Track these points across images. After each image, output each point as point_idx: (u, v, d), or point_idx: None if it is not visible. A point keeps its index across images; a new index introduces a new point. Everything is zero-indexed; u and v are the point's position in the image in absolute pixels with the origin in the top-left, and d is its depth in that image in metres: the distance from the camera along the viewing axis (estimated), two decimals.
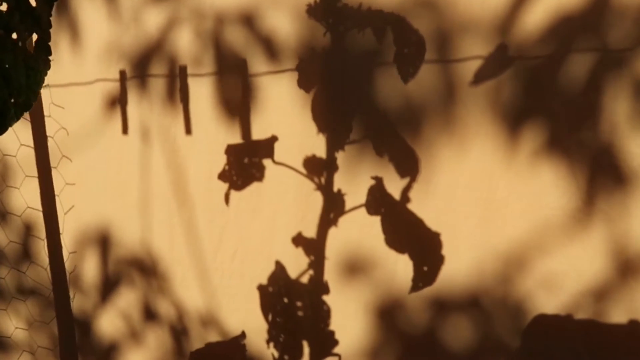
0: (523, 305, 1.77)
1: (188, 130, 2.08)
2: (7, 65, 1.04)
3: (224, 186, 2.04)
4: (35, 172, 2.33)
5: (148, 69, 2.13)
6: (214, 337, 2.14)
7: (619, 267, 1.66)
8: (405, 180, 1.82)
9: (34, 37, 1.17)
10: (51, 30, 2.22)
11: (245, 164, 1.99)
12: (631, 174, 1.64)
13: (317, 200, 1.95)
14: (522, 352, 1.79)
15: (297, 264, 2.00)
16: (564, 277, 1.72)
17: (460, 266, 1.81)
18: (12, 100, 1.06)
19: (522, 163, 1.72)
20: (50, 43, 2.19)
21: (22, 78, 1.08)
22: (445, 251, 1.81)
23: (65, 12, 2.20)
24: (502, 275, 1.78)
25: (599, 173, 1.66)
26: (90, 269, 2.32)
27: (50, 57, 1.17)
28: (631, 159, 1.63)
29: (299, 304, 1.97)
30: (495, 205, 1.75)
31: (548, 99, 1.69)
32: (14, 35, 1.07)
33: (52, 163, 2.31)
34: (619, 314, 1.68)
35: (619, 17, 1.60)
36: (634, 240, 1.65)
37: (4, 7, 1.04)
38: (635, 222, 1.64)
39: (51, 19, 1.16)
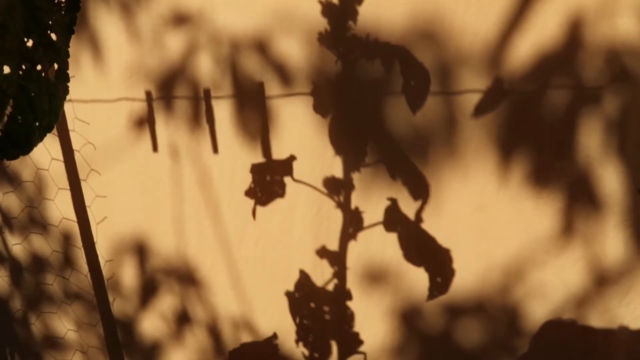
0: (519, 310, 2.02)
1: (215, 149, 2.26)
2: (32, 94, 1.17)
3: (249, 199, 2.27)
4: (67, 185, 2.51)
5: (172, 90, 2.27)
6: (244, 328, 2.39)
7: (595, 278, 1.92)
8: (418, 203, 2.03)
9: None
10: (71, 48, 2.40)
11: (267, 181, 2.20)
12: (603, 199, 1.86)
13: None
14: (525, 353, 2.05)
15: (314, 265, 2.23)
16: (552, 286, 1.97)
17: (467, 277, 2.04)
18: (37, 124, 1.19)
19: (515, 187, 1.93)
20: (69, 61, 2.37)
21: (45, 104, 1.21)
22: (454, 264, 2.04)
23: (85, 27, 2.30)
24: (502, 285, 2.01)
25: (577, 198, 1.88)
26: (127, 275, 2.52)
27: (68, 83, 1.29)
28: (603, 186, 1.85)
29: (325, 308, 2.21)
30: (494, 224, 1.98)
31: (533, 130, 1.88)
32: (39, 67, 1.20)
33: (82, 176, 2.47)
34: (595, 318, 1.95)
35: (592, 57, 1.78)
36: (607, 256, 1.90)
37: (30, 43, 1.18)
38: (608, 241, 1.88)
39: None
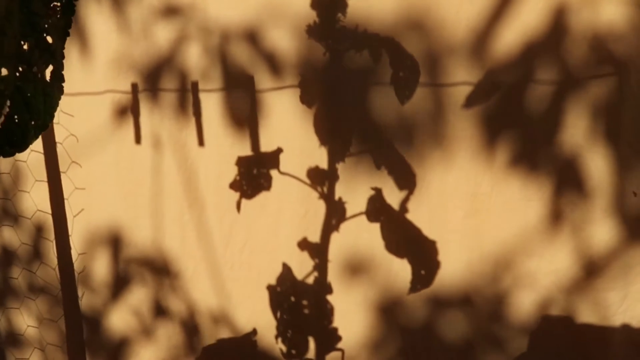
0: (508, 302, 2.02)
1: (201, 142, 2.28)
2: (29, 94, 1.25)
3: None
4: (45, 177, 2.51)
5: (158, 82, 2.30)
6: (224, 328, 2.37)
7: (585, 267, 1.93)
8: (403, 192, 2.04)
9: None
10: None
11: (254, 174, 2.22)
12: (591, 185, 1.88)
13: (317, 200, 2.18)
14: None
15: (302, 263, 2.23)
16: (541, 275, 1.98)
17: (452, 268, 2.04)
18: (32, 123, 1.27)
19: (500, 176, 1.96)
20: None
21: (40, 104, 1.29)
22: (439, 255, 2.05)
23: (73, 20, 2.35)
24: (490, 276, 2.02)
25: (565, 185, 1.91)
26: (100, 269, 2.50)
27: (63, 83, 1.39)
28: (590, 172, 1.88)
29: (304, 302, 2.21)
30: (481, 214, 2.00)
31: (521, 119, 1.92)
32: (35, 69, 1.28)
33: (62, 168, 2.47)
34: (585, 308, 1.96)
35: (578, 46, 1.83)
36: (595, 243, 1.92)
37: (26, 46, 1.27)
38: (597, 228, 1.91)
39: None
